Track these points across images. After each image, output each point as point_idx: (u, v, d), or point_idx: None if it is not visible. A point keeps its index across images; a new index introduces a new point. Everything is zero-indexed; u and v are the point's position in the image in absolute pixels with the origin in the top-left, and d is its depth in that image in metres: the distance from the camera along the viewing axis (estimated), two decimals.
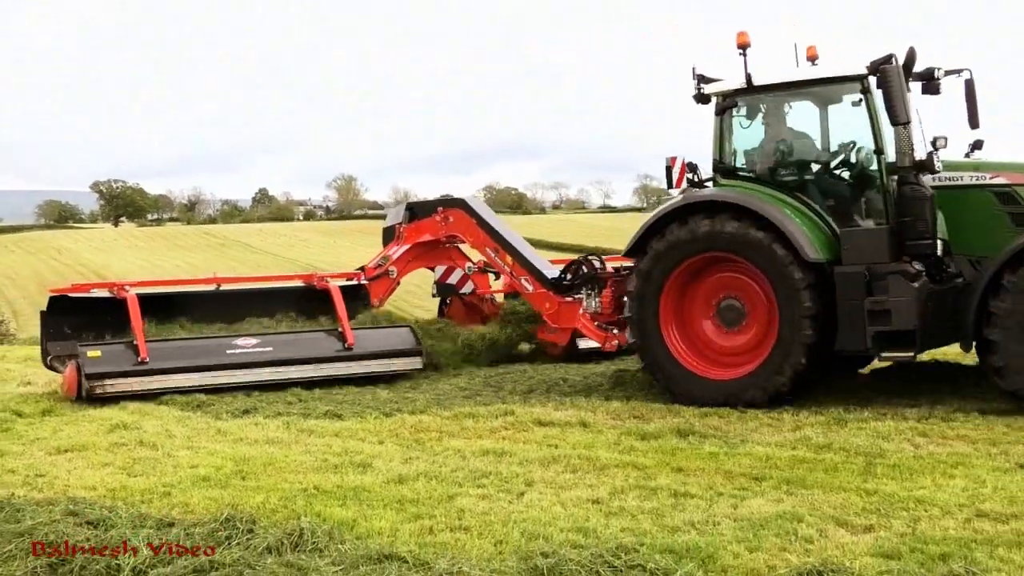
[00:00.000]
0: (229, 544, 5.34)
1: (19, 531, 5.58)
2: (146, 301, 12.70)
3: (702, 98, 11.67)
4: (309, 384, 12.34)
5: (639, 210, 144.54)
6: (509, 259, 14.34)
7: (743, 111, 11.74)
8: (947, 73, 11.18)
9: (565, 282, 13.82)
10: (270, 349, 12.43)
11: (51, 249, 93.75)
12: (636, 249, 11.34)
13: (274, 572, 4.79)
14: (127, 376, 11.57)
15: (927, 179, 10.66)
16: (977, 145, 11.29)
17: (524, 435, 9.46)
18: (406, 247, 15.07)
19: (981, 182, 10.67)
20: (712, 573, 5.29)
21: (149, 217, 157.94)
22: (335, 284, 13.70)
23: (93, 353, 11.53)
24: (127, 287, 12.59)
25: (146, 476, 8.02)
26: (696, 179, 12.18)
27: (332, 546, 5.36)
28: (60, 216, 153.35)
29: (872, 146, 10.89)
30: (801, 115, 11.93)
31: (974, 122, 11.06)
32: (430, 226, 15.17)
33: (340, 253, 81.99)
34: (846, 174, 11.51)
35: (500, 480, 7.66)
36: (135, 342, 11.76)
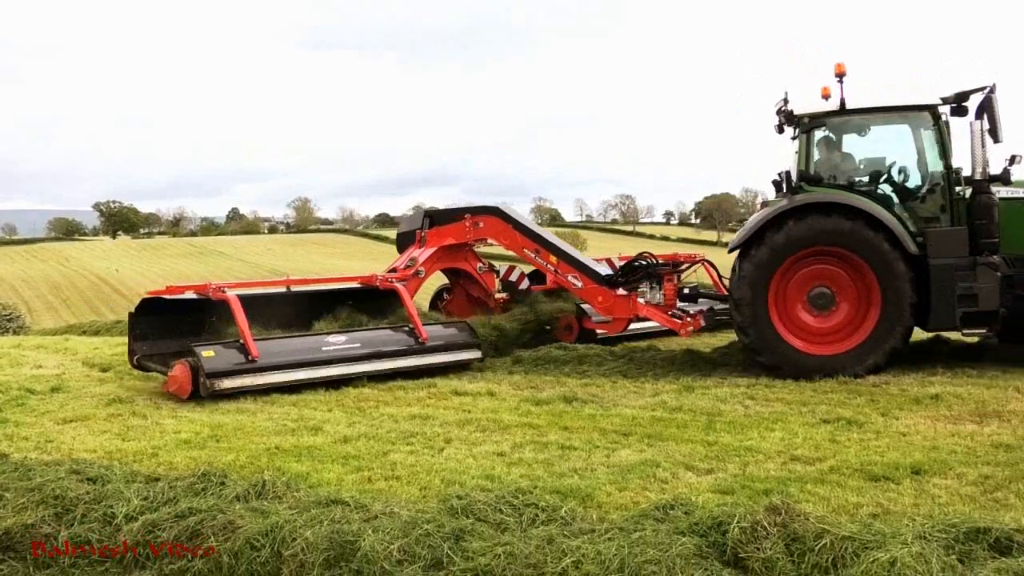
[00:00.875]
0: (205, 494, 5.22)
1: (30, 487, 5.38)
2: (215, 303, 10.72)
3: (790, 119, 11.02)
4: (385, 377, 10.73)
5: None
6: (553, 258, 12.64)
7: (830, 130, 11.17)
8: (984, 94, 10.29)
9: (620, 279, 12.35)
10: (358, 345, 10.83)
11: (60, 257, 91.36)
12: (750, 243, 10.40)
13: (242, 516, 4.71)
14: (242, 374, 9.77)
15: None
16: (1014, 160, 10.55)
17: (444, 403, 9.39)
18: (432, 249, 13.15)
19: (1018, 195, 10.48)
20: (590, 508, 5.34)
21: (141, 231, 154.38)
22: (400, 284, 11.98)
23: (207, 352, 9.67)
24: (224, 288, 10.57)
25: (137, 440, 7.78)
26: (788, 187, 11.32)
27: (289, 494, 5.28)
28: (67, 230, 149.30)
29: (942, 162, 10.54)
30: (880, 135, 11.47)
31: (995, 137, 10.24)
32: (456, 231, 13.23)
33: (298, 260, 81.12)
34: (918, 183, 10.89)
35: (425, 439, 7.61)
36: (241, 341, 9.91)
